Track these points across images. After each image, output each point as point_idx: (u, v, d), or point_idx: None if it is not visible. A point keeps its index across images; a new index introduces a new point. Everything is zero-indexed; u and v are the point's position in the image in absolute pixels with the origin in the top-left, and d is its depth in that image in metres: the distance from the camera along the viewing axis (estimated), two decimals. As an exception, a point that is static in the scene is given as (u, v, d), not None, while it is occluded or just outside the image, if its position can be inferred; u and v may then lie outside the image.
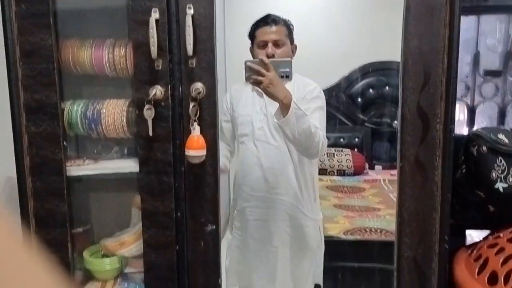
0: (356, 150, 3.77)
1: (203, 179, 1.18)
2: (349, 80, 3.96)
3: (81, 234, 1.39)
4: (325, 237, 2.02)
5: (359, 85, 3.96)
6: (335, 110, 3.94)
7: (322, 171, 3.54)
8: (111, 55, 1.23)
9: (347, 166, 3.59)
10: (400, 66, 1.10)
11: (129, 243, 1.34)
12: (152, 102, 1.11)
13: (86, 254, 1.37)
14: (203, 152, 1.14)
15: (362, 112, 3.96)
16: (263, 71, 1.31)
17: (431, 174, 1.12)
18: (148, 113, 1.11)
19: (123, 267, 1.38)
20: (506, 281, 1.04)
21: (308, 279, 1.77)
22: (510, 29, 1.46)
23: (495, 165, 1.13)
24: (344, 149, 3.71)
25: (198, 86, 1.13)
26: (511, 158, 1.12)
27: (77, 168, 1.27)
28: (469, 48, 1.48)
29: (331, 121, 3.89)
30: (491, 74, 1.47)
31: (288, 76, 1.26)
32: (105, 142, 1.36)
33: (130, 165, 1.24)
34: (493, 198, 1.17)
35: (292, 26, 1.68)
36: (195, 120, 1.13)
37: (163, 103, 1.14)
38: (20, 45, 1.16)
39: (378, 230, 2.43)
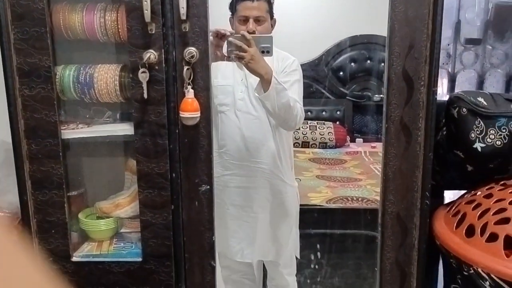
0: (338, 123, 3.85)
1: (197, 140, 1.22)
2: (331, 54, 3.99)
3: (75, 197, 1.42)
4: (309, 205, 2.09)
5: (341, 59, 4.00)
6: (317, 84, 3.99)
7: (305, 144, 3.61)
8: (102, 20, 1.24)
9: (329, 139, 3.67)
10: (387, 32, 1.15)
11: (124, 204, 1.38)
12: (147, 66, 1.14)
13: (81, 215, 1.41)
14: (197, 114, 1.17)
15: (344, 86, 4.02)
16: (245, 46, 1.35)
17: (415, 134, 1.18)
18: (143, 76, 1.13)
19: (119, 228, 1.42)
20: (482, 233, 1.13)
21: (288, 244, 1.85)
22: (490, -2, 1.51)
23: (474, 126, 1.20)
24: (326, 122, 3.79)
25: (192, 50, 1.15)
26: (489, 120, 1.19)
27: (71, 132, 1.29)
28: (451, 17, 1.53)
29: (314, 95, 3.95)
30: (471, 42, 1.53)
31: (268, 52, 1.30)
32: (98, 107, 1.38)
33: (124, 128, 1.26)
34: (471, 158, 1.24)
35: (273, 0, 1.70)
36: (189, 83, 1.16)
37: (157, 67, 1.16)
38: (12, 8, 1.15)
39: (360, 199, 2.52)
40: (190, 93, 1.16)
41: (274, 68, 1.66)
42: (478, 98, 1.21)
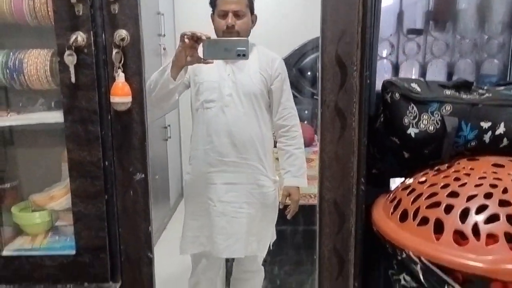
0: (305, 122, 3.87)
1: (130, 127, 1.19)
2: (299, 54, 4.02)
3: (8, 189, 1.37)
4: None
5: (309, 59, 4.04)
6: (285, 83, 4.00)
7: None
8: (31, 2, 1.20)
9: (296, 138, 3.69)
10: (320, 17, 1.15)
11: (59, 196, 1.33)
12: (73, 48, 1.10)
13: (14, 209, 1.35)
14: (128, 99, 1.14)
15: (312, 86, 4.06)
16: (294, 207, 1.84)
17: (349, 119, 1.18)
18: (70, 59, 1.10)
19: (54, 221, 1.37)
20: (414, 217, 1.13)
21: (268, 237, 1.85)
22: (431, -11, 1.54)
23: (407, 111, 1.21)
24: (294, 122, 3.80)
25: (122, 33, 1.12)
26: (422, 105, 1.20)
27: (0, 119, 1.24)
28: (393, 8, 1.55)
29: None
30: (413, 32, 1.55)
31: (244, 55, 1.29)
32: (30, 94, 1.33)
33: (55, 116, 1.22)
34: (406, 144, 1.25)
35: None
36: (119, 67, 1.13)
37: (85, 50, 1.12)
38: None
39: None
40: (120, 77, 1.13)
41: (257, 64, 1.69)
42: (411, 84, 1.22)
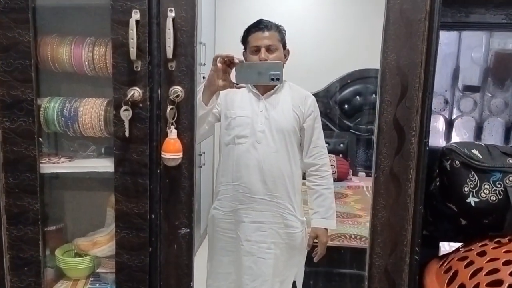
0: (341, 156, 3.80)
1: (179, 181, 1.18)
2: (337, 87, 3.99)
3: (54, 232, 1.38)
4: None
5: (346, 91, 4.00)
6: (321, 116, 3.96)
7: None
8: (90, 54, 1.22)
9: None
10: (379, 79, 1.12)
11: (102, 243, 1.33)
12: (130, 103, 1.11)
13: (58, 252, 1.36)
14: (179, 155, 1.13)
15: (348, 119, 4.00)
16: (322, 249, 1.79)
17: (405, 186, 1.13)
18: (125, 114, 1.10)
19: (95, 267, 1.36)
20: (473, 294, 1.06)
21: (291, 280, 1.80)
22: (490, 45, 1.48)
23: (468, 179, 1.14)
24: (329, 155, 3.74)
25: (177, 89, 1.12)
26: (483, 173, 1.14)
27: (52, 166, 1.25)
28: (449, 63, 1.50)
29: (318, 127, 3.91)
30: (470, 89, 1.50)
31: (278, 79, 1.25)
32: (82, 140, 1.35)
33: (105, 165, 1.23)
34: (465, 212, 1.18)
35: (285, 31, 1.72)
36: (172, 123, 1.13)
37: (141, 105, 1.13)
38: (-3, 39, 1.14)
39: (358, 237, 2.45)
40: (173, 133, 1.13)
41: (290, 101, 1.68)
42: (472, 150, 1.16)
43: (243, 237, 1.70)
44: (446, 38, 1.46)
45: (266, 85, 1.68)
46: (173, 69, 1.12)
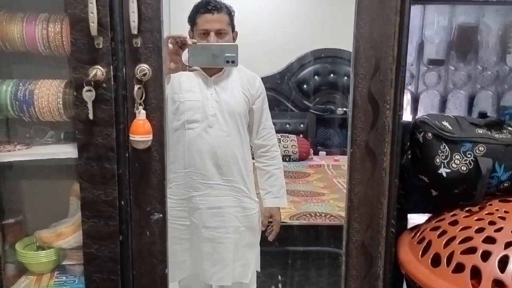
0: (301, 136, 3.83)
1: (149, 165, 1.12)
2: (295, 67, 3.99)
3: (12, 225, 1.28)
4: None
5: (305, 72, 4.01)
6: (281, 97, 3.96)
7: (268, 157, 3.52)
8: (45, 31, 1.12)
9: (292, 152, 3.65)
10: (352, 52, 1.10)
11: (67, 234, 1.25)
12: (92, 83, 1.03)
13: (18, 246, 1.27)
14: (149, 137, 1.07)
15: (307, 99, 4.02)
16: (277, 227, 1.81)
17: (380, 160, 1.13)
18: (88, 95, 1.03)
19: (61, 260, 1.29)
20: (448, 262, 1.08)
21: (252, 263, 1.79)
22: (453, 20, 1.50)
23: (439, 151, 1.16)
24: (289, 135, 3.76)
25: (144, 67, 1.05)
26: (454, 144, 1.16)
27: (8, 154, 1.16)
28: (414, 37, 1.51)
29: (277, 108, 3.90)
30: (434, 63, 1.52)
31: (233, 62, 1.21)
32: (39, 125, 1.25)
33: (67, 151, 1.14)
34: (436, 183, 1.20)
35: (234, 12, 1.65)
36: (140, 104, 1.06)
37: (104, 85, 1.05)
38: None
39: (323, 214, 2.49)
40: (141, 114, 1.06)
41: (239, 83, 1.63)
42: (443, 122, 1.17)
43: (200, 224, 1.67)
44: (412, 12, 1.46)
45: (214, 67, 1.62)
46: (139, 45, 1.05)
